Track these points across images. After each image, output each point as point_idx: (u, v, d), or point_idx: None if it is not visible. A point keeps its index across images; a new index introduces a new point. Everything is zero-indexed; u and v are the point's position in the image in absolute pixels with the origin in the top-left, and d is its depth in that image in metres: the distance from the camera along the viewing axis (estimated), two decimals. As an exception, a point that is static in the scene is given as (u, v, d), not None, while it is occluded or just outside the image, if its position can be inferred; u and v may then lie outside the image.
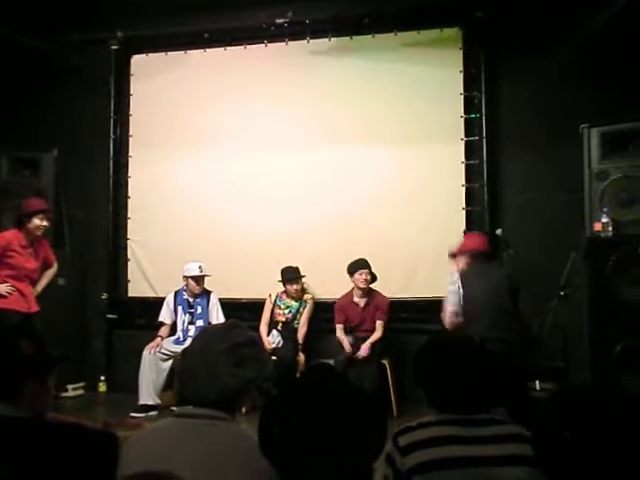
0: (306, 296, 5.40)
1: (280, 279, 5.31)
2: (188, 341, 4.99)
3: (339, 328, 5.12)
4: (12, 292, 4.42)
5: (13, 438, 1.44)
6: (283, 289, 5.38)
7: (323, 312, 5.43)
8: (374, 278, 5.14)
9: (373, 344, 4.96)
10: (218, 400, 1.47)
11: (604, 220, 4.37)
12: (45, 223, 4.56)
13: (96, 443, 1.50)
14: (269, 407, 1.14)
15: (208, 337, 1.56)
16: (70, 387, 5.58)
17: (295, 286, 5.29)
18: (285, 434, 1.10)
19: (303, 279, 5.38)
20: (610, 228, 4.34)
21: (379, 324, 5.05)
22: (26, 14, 5.69)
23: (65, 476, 1.42)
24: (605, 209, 4.40)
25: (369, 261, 5.11)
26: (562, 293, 4.52)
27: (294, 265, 5.31)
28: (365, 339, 5.00)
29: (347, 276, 5.20)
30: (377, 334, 5.02)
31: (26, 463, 1.41)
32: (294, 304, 5.35)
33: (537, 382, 4.71)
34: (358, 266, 5.08)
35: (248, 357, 1.53)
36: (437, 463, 1.52)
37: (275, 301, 5.40)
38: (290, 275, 5.27)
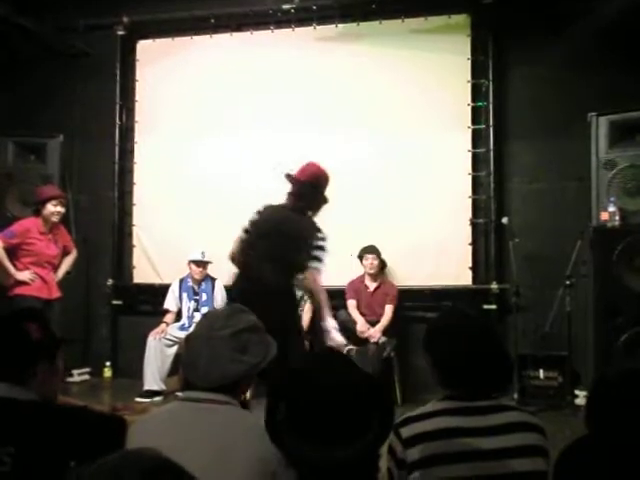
0: (310, 283, 5.40)
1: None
2: (193, 327, 5.01)
3: (352, 305, 5.14)
4: (34, 279, 4.49)
5: (20, 420, 1.45)
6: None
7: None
8: (383, 264, 5.23)
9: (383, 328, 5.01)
10: (222, 386, 1.48)
11: (611, 209, 4.35)
12: (59, 209, 4.63)
13: (104, 426, 1.52)
14: (276, 391, 1.14)
15: (211, 322, 1.56)
16: (76, 372, 5.62)
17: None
18: (292, 418, 1.10)
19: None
20: (617, 217, 4.33)
21: (389, 308, 5.08)
22: (32, -1, 5.68)
23: (74, 458, 1.43)
24: (612, 198, 4.38)
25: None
26: (568, 282, 4.52)
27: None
28: (372, 323, 5.02)
29: (352, 264, 5.24)
30: (387, 318, 5.05)
31: (33, 445, 1.42)
32: (299, 292, 5.34)
33: (541, 371, 4.73)
34: (365, 251, 5.19)
35: (251, 342, 1.53)
36: (442, 457, 1.48)
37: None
38: None
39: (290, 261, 3.19)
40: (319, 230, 3.27)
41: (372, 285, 5.21)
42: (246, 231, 3.39)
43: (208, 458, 1.33)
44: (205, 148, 5.87)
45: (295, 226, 3.26)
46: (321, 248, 3.21)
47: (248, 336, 1.53)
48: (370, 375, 1.16)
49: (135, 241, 6.02)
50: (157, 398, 4.98)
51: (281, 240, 3.20)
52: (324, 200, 3.39)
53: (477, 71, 5.36)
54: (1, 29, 5.74)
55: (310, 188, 3.33)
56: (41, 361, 1.57)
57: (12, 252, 4.49)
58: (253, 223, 3.38)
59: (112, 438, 1.49)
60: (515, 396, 4.63)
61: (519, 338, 4.84)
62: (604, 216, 4.36)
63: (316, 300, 3.37)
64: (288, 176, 3.40)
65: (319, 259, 3.20)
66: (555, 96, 5.17)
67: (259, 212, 3.41)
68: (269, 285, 3.13)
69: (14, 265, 4.48)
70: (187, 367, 1.52)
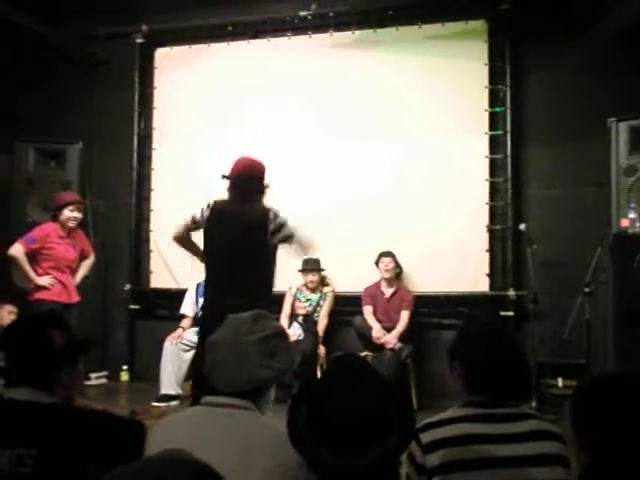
0: (326, 289, 5.41)
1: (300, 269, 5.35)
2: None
3: (368, 311, 5.14)
4: (54, 284, 4.54)
5: (42, 423, 1.47)
6: (304, 282, 5.40)
7: (343, 305, 5.44)
8: (400, 270, 5.24)
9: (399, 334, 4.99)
10: (248, 391, 1.48)
11: (631, 216, 4.30)
12: (76, 214, 4.67)
13: (124, 431, 1.53)
14: (297, 397, 1.14)
15: (237, 327, 1.55)
16: (93, 376, 5.67)
17: (311, 277, 5.31)
18: (312, 423, 1.10)
19: (324, 272, 5.40)
20: (637, 224, 4.28)
21: (405, 314, 5.06)
22: (52, 8, 5.76)
23: (92, 462, 1.44)
24: (632, 205, 4.33)
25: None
26: (587, 289, 4.46)
27: (315, 257, 5.32)
28: (388, 329, 5.01)
29: (368, 270, 5.24)
30: (402, 324, 5.04)
31: (54, 447, 1.43)
32: (314, 297, 5.37)
33: (560, 379, 4.67)
34: (381, 256, 5.20)
35: (278, 348, 1.54)
36: (462, 463, 1.47)
37: (295, 294, 5.41)
38: (307, 266, 5.30)
39: (261, 246, 3.26)
40: (269, 210, 3.34)
41: (388, 291, 5.20)
42: (194, 222, 3.43)
43: (228, 464, 1.33)
44: (222, 155, 5.87)
45: (251, 213, 3.32)
46: (282, 221, 3.29)
47: (276, 342, 1.54)
48: (391, 381, 1.16)
49: (152, 246, 6.07)
50: (173, 402, 5.00)
51: (245, 231, 3.26)
52: (264, 187, 3.46)
53: (494, 77, 5.34)
54: (22, 38, 5.84)
55: (245, 179, 3.40)
56: (65, 367, 1.59)
57: (32, 257, 4.55)
58: (208, 219, 3.40)
59: (131, 442, 1.50)
60: (533, 404, 4.58)
61: (537, 345, 4.79)
62: (624, 223, 4.32)
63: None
64: (223, 176, 3.47)
65: (285, 226, 3.28)
66: (573, 101, 5.14)
67: (210, 208, 3.43)
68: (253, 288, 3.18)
69: (34, 270, 4.54)
70: (211, 371, 1.52)
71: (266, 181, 3.47)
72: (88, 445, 1.46)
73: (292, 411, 1.13)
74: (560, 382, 4.67)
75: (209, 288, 3.46)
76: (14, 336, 1.63)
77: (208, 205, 3.42)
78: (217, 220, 3.36)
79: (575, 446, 1.25)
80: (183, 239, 3.53)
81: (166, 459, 0.82)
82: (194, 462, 0.83)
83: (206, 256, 3.46)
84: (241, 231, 3.27)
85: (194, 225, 3.45)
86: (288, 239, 3.33)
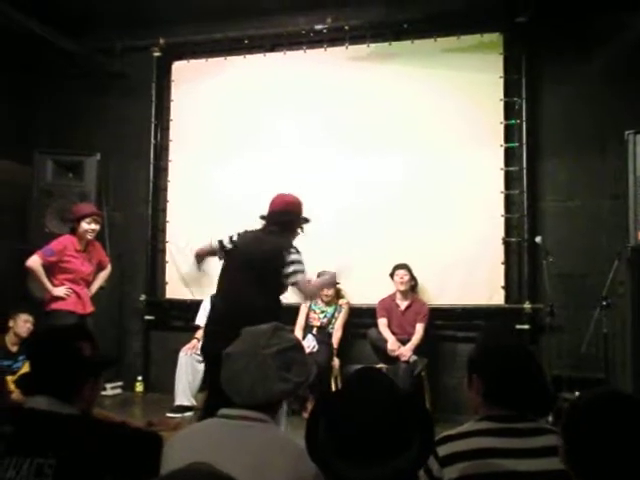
0: (341, 301, 5.40)
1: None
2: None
3: (382, 323, 5.13)
4: (70, 294, 4.60)
5: (62, 434, 1.48)
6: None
7: (358, 317, 5.42)
8: (415, 282, 5.23)
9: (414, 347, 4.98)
10: (266, 403, 1.48)
11: (649, 229, 4.26)
12: (94, 226, 4.72)
13: (141, 442, 1.53)
14: (316, 409, 1.14)
15: (254, 340, 1.56)
16: (108, 386, 5.70)
17: (326, 290, 5.30)
18: (332, 436, 1.10)
19: (339, 285, 5.39)
20: (655, 237, 4.23)
21: (420, 327, 5.05)
22: (71, 21, 5.86)
23: (111, 473, 1.45)
24: (650, 217, 4.29)
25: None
26: (604, 302, 4.42)
27: (330, 270, 5.31)
28: (403, 341, 4.99)
29: (383, 282, 5.23)
30: (417, 336, 5.02)
31: (74, 458, 1.44)
32: (329, 309, 5.36)
33: (577, 393, 4.61)
34: (396, 268, 5.20)
35: (295, 361, 1.54)
36: (479, 477, 1.46)
37: (310, 306, 5.41)
38: None
39: (274, 285, 3.30)
40: (292, 247, 3.35)
41: (403, 304, 5.18)
42: (225, 257, 3.52)
43: (245, 477, 1.33)
44: (238, 166, 5.93)
45: (272, 250, 3.32)
46: (297, 262, 3.29)
47: (292, 355, 1.54)
48: (410, 395, 1.16)
49: (168, 257, 6.10)
50: (188, 413, 5.01)
51: (263, 267, 3.28)
52: (302, 221, 3.48)
53: (510, 89, 5.33)
54: (41, 50, 5.94)
55: (282, 215, 3.41)
56: (89, 379, 1.61)
57: (48, 269, 4.60)
58: (231, 251, 3.47)
59: (149, 454, 1.51)
60: (550, 419, 4.52)
61: (553, 359, 4.74)
62: (642, 236, 4.28)
63: (316, 294, 3.63)
64: (262, 217, 3.48)
65: (300, 271, 3.28)
66: (589, 113, 5.12)
67: (237, 239, 3.49)
68: (256, 309, 3.20)
69: (50, 281, 4.59)
70: (229, 384, 1.52)
71: (304, 216, 3.50)
72: (106, 456, 1.46)
73: (311, 423, 1.13)
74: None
75: (219, 302, 3.55)
76: (42, 345, 1.65)
77: (231, 238, 3.49)
78: (239, 246, 3.44)
79: (564, 462, 1.25)
80: (201, 257, 3.68)
81: (193, 472, 0.83)
82: (220, 476, 0.84)
83: (221, 275, 3.56)
84: (256, 253, 3.32)
85: (219, 249, 3.52)
86: (290, 277, 3.30)
